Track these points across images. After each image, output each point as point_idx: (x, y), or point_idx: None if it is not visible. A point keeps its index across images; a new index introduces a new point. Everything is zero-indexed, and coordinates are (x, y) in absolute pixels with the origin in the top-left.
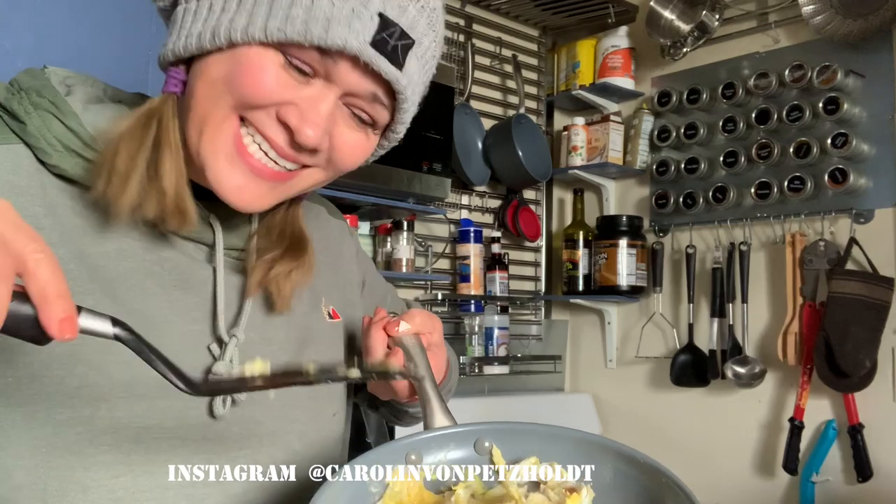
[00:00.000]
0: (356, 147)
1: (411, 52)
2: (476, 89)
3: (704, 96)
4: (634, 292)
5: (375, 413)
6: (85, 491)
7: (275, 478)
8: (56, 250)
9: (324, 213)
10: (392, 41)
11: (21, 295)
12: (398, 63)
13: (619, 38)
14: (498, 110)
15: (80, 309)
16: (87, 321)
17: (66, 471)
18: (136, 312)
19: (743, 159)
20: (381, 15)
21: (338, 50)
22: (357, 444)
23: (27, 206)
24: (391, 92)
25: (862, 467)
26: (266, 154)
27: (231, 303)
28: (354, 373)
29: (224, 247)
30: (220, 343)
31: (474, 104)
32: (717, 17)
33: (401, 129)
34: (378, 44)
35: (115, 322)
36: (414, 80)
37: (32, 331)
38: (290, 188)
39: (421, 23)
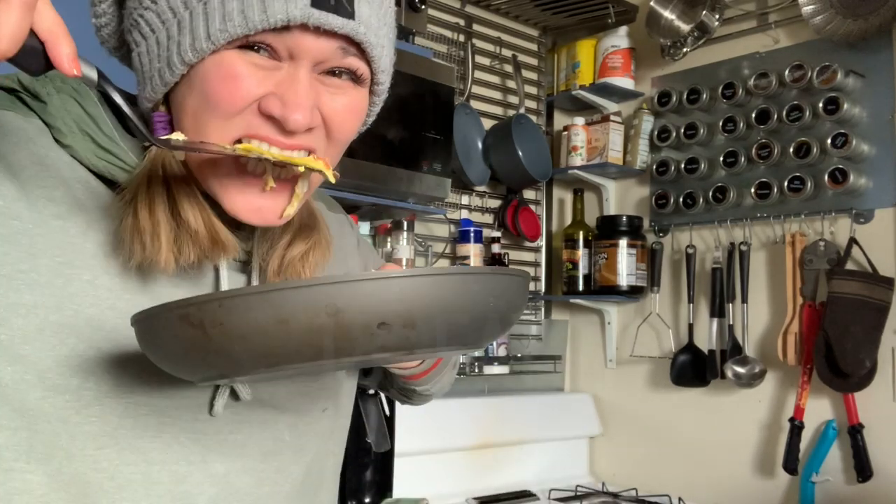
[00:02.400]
0: (348, 110)
1: None
2: (476, 89)
3: (704, 96)
4: (634, 292)
5: (385, 393)
6: (69, 458)
7: (259, 463)
8: (64, 223)
9: (322, 209)
10: None
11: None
12: (347, 13)
13: (619, 38)
14: (498, 110)
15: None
16: (83, 67)
17: (51, 436)
18: (137, 290)
19: (743, 159)
20: None
21: (283, 25)
22: (356, 445)
23: (42, 177)
24: (357, 43)
25: (862, 467)
26: (266, 165)
27: None
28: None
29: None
30: None
31: (474, 104)
32: (717, 17)
33: (384, 79)
34: (318, 2)
35: (101, 75)
36: (372, 23)
37: (36, 63)
38: (303, 187)
39: None
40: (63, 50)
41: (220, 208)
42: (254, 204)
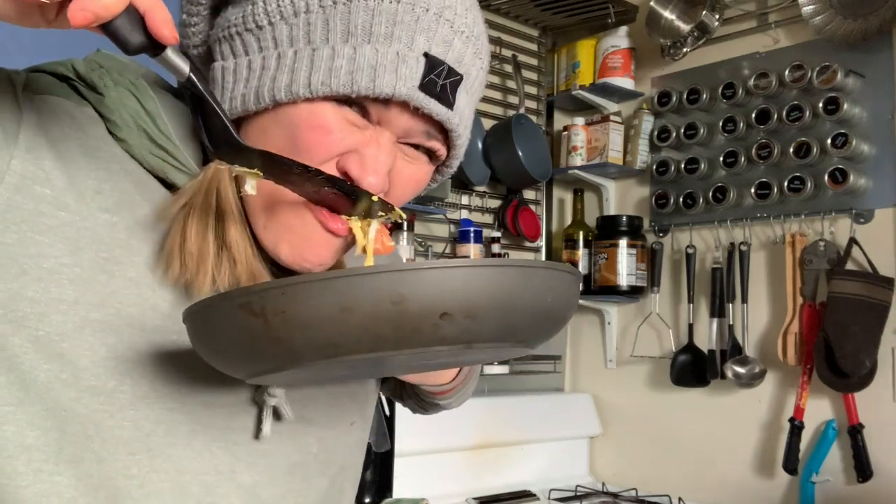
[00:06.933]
0: (412, 180)
1: (460, 87)
2: None
3: (704, 96)
4: (634, 292)
5: (401, 403)
6: (99, 462)
7: (285, 475)
8: (111, 217)
9: None
10: (440, 81)
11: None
12: (448, 102)
13: (619, 38)
14: (498, 110)
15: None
16: (178, 60)
17: (82, 438)
18: (181, 292)
19: (743, 159)
20: (426, 55)
21: (386, 98)
22: None
23: (91, 168)
24: (444, 129)
25: (862, 467)
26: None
27: None
28: None
29: None
30: None
31: None
32: (717, 17)
33: (455, 164)
34: (427, 86)
35: (193, 68)
36: (465, 114)
37: (135, 32)
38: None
39: (468, 54)
40: (162, 16)
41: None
42: (320, 256)
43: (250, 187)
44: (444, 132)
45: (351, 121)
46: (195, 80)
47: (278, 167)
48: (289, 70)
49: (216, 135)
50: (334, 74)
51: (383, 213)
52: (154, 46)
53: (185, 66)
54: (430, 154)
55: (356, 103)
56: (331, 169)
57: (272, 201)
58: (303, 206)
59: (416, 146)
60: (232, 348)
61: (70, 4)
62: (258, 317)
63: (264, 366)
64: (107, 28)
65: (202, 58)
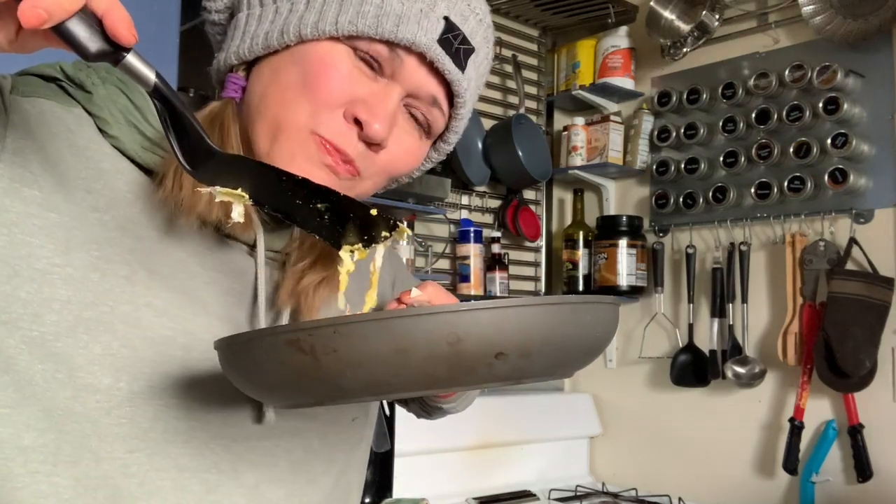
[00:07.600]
0: (410, 152)
1: (471, 58)
2: None
3: (704, 96)
4: (634, 292)
5: (405, 408)
6: (98, 461)
7: (288, 473)
8: (102, 216)
9: None
10: (456, 43)
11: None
12: (461, 65)
13: (619, 38)
14: (498, 110)
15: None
16: (144, 68)
17: (80, 437)
18: (175, 288)
19: (743, 159)
20: (446, 18)
21: (407, 45)
22: None
23: (81, 168)
24: (449, 98)
25: (862, 467)
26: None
27: (271, 296)
28: None
29: (265, 247)
30: None
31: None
32: (717, 17)
33: (453, 139)
34: (444, 43)
35: (159, 76)
36: (472, 86)
37: (93, 36)
38: (351, 191)
39: (479, 34)
40: (120, 15)
41: None
42: (320, 178)
43: (237, 214)
44: (449, 100)
45: (361, 70)
46: (163, 88)
47: (260, 177)
48: (317, 11)
49: (190, 150)
50: (361, 16)
51: (387, 234)
52: (115, 50)
53: (150, 73)
54: (426, 129)
55: (370, 56)
56: (338, 118)
57: (276, 128)
58: (307, 134)
59: (416, 119)
60: (272, 382)
61: (21, 4)
62: (307, 354)
63: (306, 399)
64: (62, 32)
65: (222, 25)
